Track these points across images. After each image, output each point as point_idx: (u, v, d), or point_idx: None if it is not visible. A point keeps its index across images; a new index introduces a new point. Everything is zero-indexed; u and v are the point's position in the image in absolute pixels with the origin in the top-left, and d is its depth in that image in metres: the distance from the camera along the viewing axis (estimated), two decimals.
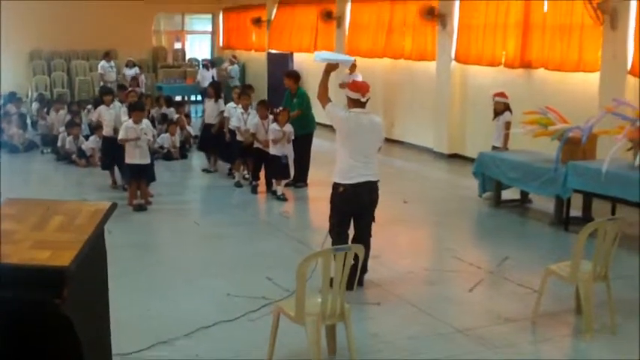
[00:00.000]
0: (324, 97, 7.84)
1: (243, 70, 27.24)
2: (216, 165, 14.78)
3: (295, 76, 13.41)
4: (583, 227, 6.94)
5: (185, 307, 7.41)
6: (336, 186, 7.81)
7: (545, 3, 13.85)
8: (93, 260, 4.30)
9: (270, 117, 12.67)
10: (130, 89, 13.98)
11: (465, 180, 13.96)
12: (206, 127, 14.73)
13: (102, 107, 12.92)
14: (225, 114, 13.77)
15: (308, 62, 21.47)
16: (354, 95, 7.66)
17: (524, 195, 12.09)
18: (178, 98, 22.67)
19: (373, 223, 8.04)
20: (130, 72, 22.20)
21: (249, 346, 6.49)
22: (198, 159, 16.13)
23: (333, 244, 7.87)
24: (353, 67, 8.31)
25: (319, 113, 13.67)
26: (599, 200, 10.71)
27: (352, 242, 7.90)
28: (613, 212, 10.69)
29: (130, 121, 11.20)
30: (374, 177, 7.79)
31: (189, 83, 25.34)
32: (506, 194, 12.15)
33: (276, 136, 12.22)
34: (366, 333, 6.71)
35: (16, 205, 4.53)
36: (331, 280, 5.72)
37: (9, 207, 4.51)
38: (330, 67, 8.11)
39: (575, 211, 10.77)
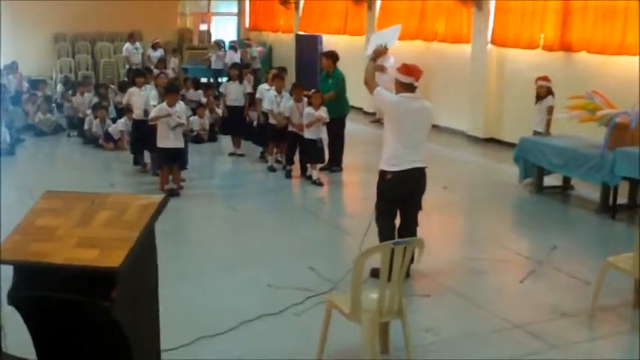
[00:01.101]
0: (371, 82, 7.54)
1: (270, 52, 26.89)
2: (237, 148, 14.51)
3: (333, 56, 13.07)
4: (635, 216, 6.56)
5: (226, 300, 7.15)
6: (382, 173, 7.49)
7: None
8: (143, 258, 4.03)
9: (305, 100, 12.36)
10: (159, 72, 13.65)
11: (502, 165, 13.65)
12: (229, 110, 14.39)
13: (133, 89, 12.64)
14: (258, 95, 13.47)
15: (338, 45, 21.10)
16: (406, 79, 7.34)
17: (567, 181, 11.76)
18: (203, 80, 22.35)
19: (420, 212, 7.74)
20: (155, 54, 21.90)
21: (296, 342, 6.23)
22: (227, 142, 15.85)
23: (379, 232, 7.63)
24: (384, 51, 7.92)
25: (352, 96, 13.48)
26: None
27: (398, 231, 7.65)
28: None
29: (164, 104, 10.89)
30: (422, 163, 7.48)
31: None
32: (548, 180, 11.82)
33: (310, 120, 11.92)
34: (419, 328, 6.36)
35: (56, 199, 4.25)
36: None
37: (49, 201, 4.23)
38: (378, 55, 7.81)
39: (621, 199, 10.43)
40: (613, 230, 10.03)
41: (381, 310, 5.41)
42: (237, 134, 14.56)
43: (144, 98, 12.13)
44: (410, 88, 7.38)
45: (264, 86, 13.55)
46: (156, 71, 15.46)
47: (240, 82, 14.30)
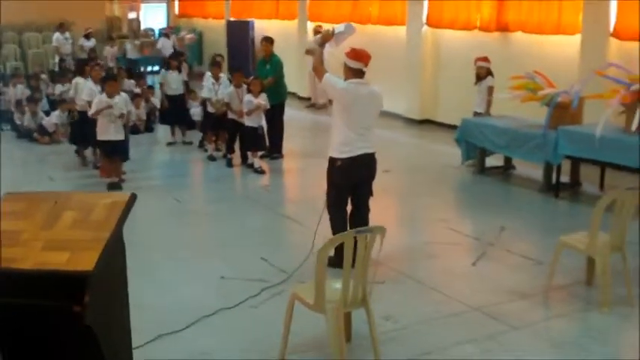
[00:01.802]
0: (320, 69, 7.43)
1: (200, 39, 26.60)
2: (183, 137, 14.32)
3: (272, 41, 12.98)
4: (600, 198, 6.63)
5: (180, 294, 7.00)
6: (333, 160, 7.43)
7: None
8: (114, 260, 3.90)
9: (245, 86, 12.21)
10: (95, 62, 13.32)
11: (440, 147, 13.74)
12: (169, 99, 14.14)
13: (79, 79, 12.28)
14: (204, 82, 13.30)
15: (270, 30, 20.94)
16: (355, 64, 7.26)
17: (508, 161, 11.86)
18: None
19: (371, 197, 7.70)
20: (88, 43, 21.49)
21: (258, 335, 6.12)
22: (164, 132, 15.65)
23: (331, 220, 7.59)
24: (331, 36, 7.75)
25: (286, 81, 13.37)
26: (587, 165, 10.52)
27: (350, 218, 7.61)
28: (602, 178, 10.57)
29: (104, 95, 10.61)
30: (371, 149, 7.44)
31: (146, 54, 24.71)
32: (489, 161, 11.90)
33: (250, 108, 11.78)
34: (378, 316, 6.17)
35: (17, 201, 4.07)
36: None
37: (9, 203, 4.04)
38: (325, 39, 7.67)
39: (563, 177, 10.56)
40: (557, 209, 10.14)
41: (345, 300, 5.35)
42: (179, 123, 14.37)
43: (90, 89, 11.73)
44: (359, 73, 7.31)
45: (209, 74, 13.34)
46: (95, 62, 15.04)
47: (179, 70, 14.12)
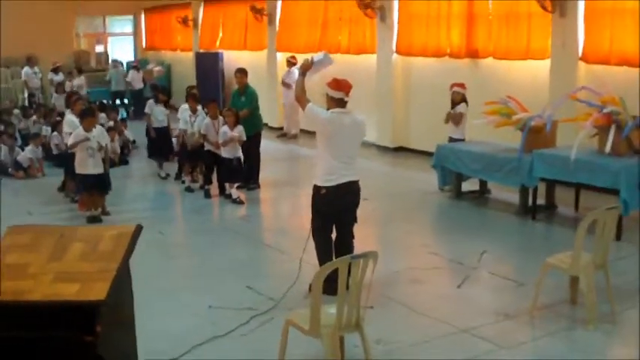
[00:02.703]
0: (302, 98, 7.51)
1: (168, 71, 26.68)
2: (160, 169, 14.37)
3: (246, 72, 13.10)
4: (583, 218, 6.79)
5: (170, 324, 7.02)
6: (317, 189, 7.50)
7: None
8: (122, 290, 3.96)
9: (221, 118, 12.29)
10: (76, 96, 13.32)
11: (416, 173, 13.92)
12: (156, 132, 14.25)
13: (69, 114, 12.21)
14: (179, 115, 13.41)
15: (239, 61, 21.09)
16: (337, 94, 7.39)
17: (483, 185, 12.03)
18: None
19: (355, 224, 7.81)
20: (57, 77, 21.47)
21: None
22: (138, 164, 15.71)
23: (316, 247, 7.67)
24: (310, 65, 7.82)
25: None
26: (562, 187, 10.72)
27: (335, 245, 7.70)
28: (577, 199, 10.76)
29: (81, 129, 10.65)
30: (355, 177, 7.54)
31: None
32: (465, 185, 12.07)
33: (225, 139, 11.85)
34: (369, 339, 6.39)
35: (21, 234, 4.12)
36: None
37: (13, 237, 4.10)
38: (305, 68, 7.76)
39: (539, 200, 10.74)
40: (535, 231, 10.33)
41: (340, 325, 5.43)
42: (165, 156, 14.49)
43: (71, 121, 11.69)
44: (341, 103, 7.42)
45: (185, 106, 13.43)
46: (77, 96, 15.00)
47: (166, 104, 14.24)
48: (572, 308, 7.22)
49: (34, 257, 3.85)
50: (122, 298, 3.94)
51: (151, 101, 14.33)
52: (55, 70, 21.98)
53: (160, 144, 14.27)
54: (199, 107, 13.05)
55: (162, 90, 15.05)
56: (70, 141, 10.67)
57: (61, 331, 3.59)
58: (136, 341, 4.26)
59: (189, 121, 12.81)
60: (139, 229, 4.00)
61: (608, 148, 9.36)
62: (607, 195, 9.63)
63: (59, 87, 19.92)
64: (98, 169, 10.77)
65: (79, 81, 21.90)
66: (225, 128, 11.93)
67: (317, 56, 7.80)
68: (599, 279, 6.92)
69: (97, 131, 10.84)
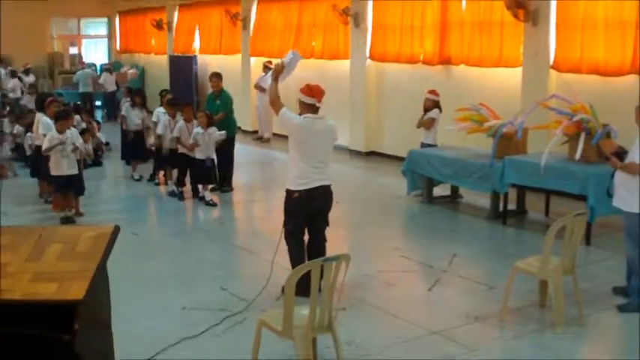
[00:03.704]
0: (276, 103, 7.57)
1: (142, 74, 26.64)
2: (133, 171, 14.38)
3: (221, 77, 13.18)
4: (552, 223, 6.93)
5: (144, 324, 7.03)
6: (290, 192, 7.57)
7: (464, 2, 13.98)
8: (99, 290, 4.01)
9: (195, 121, 12.32)
10: (51, 98, 13.26)
11: (387, 178, 14.02)
12: (131, 135, 14.33)
13: (43, 116, 12.12)
14: (154, 119, 13.45)
15: (213, 65, 21.16)
16: (309, 100, 7.46)
17: (455, 190, 12.15)
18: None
19: (327, 228, 7.89)
20: (27, 79, 21.40)
21: None
22: (111, 166, 15.69)
23: (289, 250, 7.75)
24: (282, 67, 7.87)
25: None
26: (532, 193, 10.88)
27: (307, 248, 7.78)
28: (547, 205, 10.90)
29: (54, 132, 10.65)
30: (327, 181, 7.62)
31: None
32: (437, 190, 12.18)
33: (198, 139, 11.89)
34: (341, 341, 6.51)
35: (1, 235, 4.16)
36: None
37: None
38: (277, 72, 7.81)
39: (510, 205, 10.87)
40: (505, 235, 10.46)
41: (312, 326, 5.50)
42: (141, 158, 14.52)
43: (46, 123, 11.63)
44: (313, 108, 7.49)
45: (160, 109, 13.45)
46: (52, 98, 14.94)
47: (142, 107, 14.26)
48: (541, 311, 7.34)
49: (13, 257, 3.89)
50: (100, 297, 3.99)
51: (127, 104, 14.33)
52: (26, 72, 21.86)
53: (134, 147, 14.25)
54: (179, 114, 12.91)
55: (137, 93, 15.02)
56: (44, 145, 10.66)
57: (39, 329, 3.62)
58: (113, 340, 4.30)
59: (168, 126, 12.78)
60: (116, 230, 4.05)
61: (578, 155, 9.50)
62: (577, 201, 9.80)
63: (31, 88, 19.84)
64: (73, 170, 10.80)
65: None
66: (198, 129, 11.97)
67: (286, 58, 7.84)
68: (567, 283, 7.06)
69: (71, 133, 10.83)
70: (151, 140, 14.18)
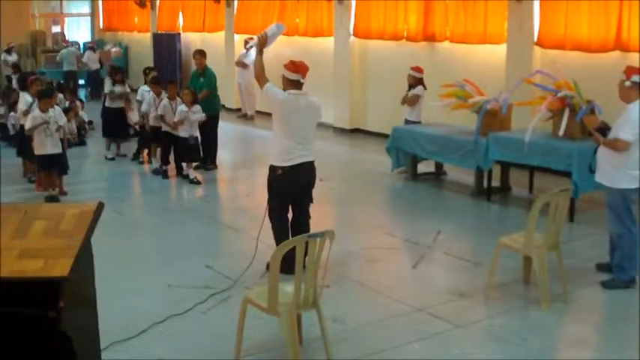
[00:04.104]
0: (262, 76, 7.54)
1: (125, 52, 26.47)
2: (118, 150, 14.32)
3: (205, 54, 13.12)
4: (536, 199, 6.97)
5: (129, 302, 7.03)
6: (273, 168, 7.55)
7: None
8: (84, 267, 3.99)
9: (179, 99, 12.26)
10: (34, 76, 13.15)
11: (372, 155, 14.03)
12: (113, 112, 14.21)
13: (25, 94, 12.06)
14: (139, 97, 13.37)
15: (197, 42, 21.08)
16: (293, 76, 7.44)
17: (439, 167, 12.17)
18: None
19: (311, 205, 7.88)
20: (10, 58, 21.25)
21: (209, 340, 6.21)
22: (94, 145, 15.61)
23: (273, 227, 7.74)
24: (266, 39, 7.83)
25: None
26: (516, 170, 10.89)
27: (291, 225, 7.77)
28: (531, 181, 10.93)
29: (37, 111, 10.58)
30: (311, 157, 7.61)
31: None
32: (421, 167, 12.20)
33: (181, 117, 11.84)
34: (325, 318, 6.51)
35: None
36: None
37: None
38: (262, 44, 7.77)
39: (494, 182, 10.89)
40: (490, 212, 10.50)
41: (297, 302, 5.50)
42: (122, 136, 14.47)
43: (27, 100, 11.56)
44: (297, 84, 7.48)
45: (144, 88, 13.38)
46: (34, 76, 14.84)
47: (123, 84, 14.20)
48: (526, 287, 7.38)
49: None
50: (84, 275, 3.97)
51: (109, 82, 14.24)
52: (9, 51, 21.71)
53: (115, 124, 14.18)
54: (163, 92, 12.81)
55: (117, 71, 14.92)
56: (27, 124, 10.60)
57: (24, 307, 3.61)
58: (97, 318, 4.29)
59: (153, 104, 12.71)
60: (100, 206, 4.02)
61: (561, 131, 9.51)
62: (561, 177, 9.81)
63: (14, 68, 19.70)
64: (56, 149, 10.74)
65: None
66: (182, 107, 11.92)
67: (270, 29, 7.81)
68: (551, 259, 7.07)
69: (54, 111, 10.76)
70: (134, 118, 14.13)
